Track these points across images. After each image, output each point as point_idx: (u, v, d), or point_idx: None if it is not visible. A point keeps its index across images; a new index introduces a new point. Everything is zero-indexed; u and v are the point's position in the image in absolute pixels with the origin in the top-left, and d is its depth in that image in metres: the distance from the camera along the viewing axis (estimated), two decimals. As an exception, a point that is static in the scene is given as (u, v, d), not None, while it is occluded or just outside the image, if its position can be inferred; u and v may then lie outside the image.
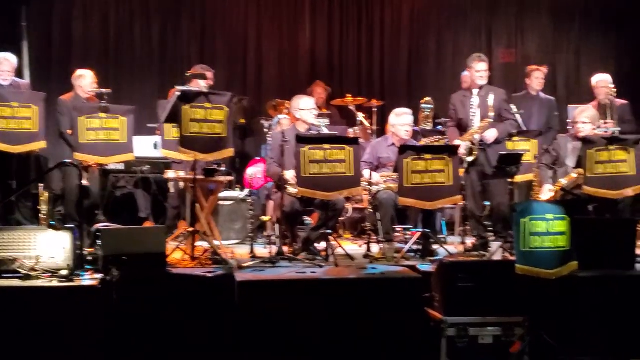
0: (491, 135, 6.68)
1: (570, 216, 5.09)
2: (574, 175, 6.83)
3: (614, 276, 5.65)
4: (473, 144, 6.72)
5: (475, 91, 6.87)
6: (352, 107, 9.05)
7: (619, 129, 7.34)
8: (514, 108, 8.03)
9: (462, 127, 6.89)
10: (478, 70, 6.84)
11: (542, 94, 8.54)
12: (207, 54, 10.05)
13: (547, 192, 6.94)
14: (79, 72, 7.49)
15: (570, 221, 5.08)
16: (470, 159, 6.72)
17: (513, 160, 6.40)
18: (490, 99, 6.67)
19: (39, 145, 6.58)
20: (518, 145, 7.12)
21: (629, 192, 6.52)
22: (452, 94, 7.20)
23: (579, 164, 6.72)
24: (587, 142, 6.49)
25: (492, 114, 6.66)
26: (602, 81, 8.03)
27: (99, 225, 5.79)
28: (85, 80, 7.38)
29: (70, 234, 5.31)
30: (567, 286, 5.30)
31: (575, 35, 10.73)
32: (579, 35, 10.72)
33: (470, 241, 6.94)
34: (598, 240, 5.66)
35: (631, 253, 5.94)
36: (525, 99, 8.45)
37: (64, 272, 5.15)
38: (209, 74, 7.65)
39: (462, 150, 6.62)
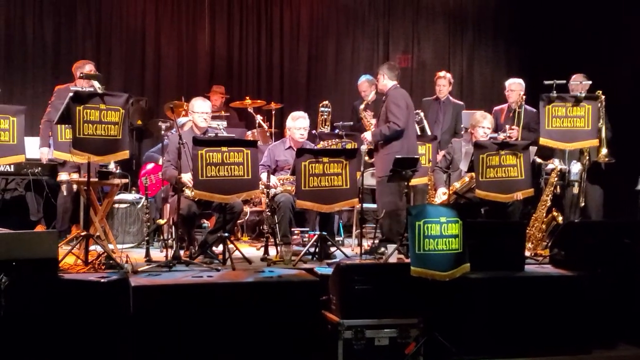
0: (366, 136, 6.99)
1: (462, 219, 5.22)
2: (466, 179, 7.01)
3: (504, 277, 5.83)
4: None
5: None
6: (250, 110, 9.04)
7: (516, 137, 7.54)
8: (420, 113, 8.22)
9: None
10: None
11: (451, 98, 8.70)
12: (104, 54, 9.86)
13: (440, 195, 7.10)
14: None
15: (463, 224, 5.21)
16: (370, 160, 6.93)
17: (409, 164, 6.51)
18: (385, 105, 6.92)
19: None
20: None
21: (519, 195, 6.72)
22: (352, 98, 7.38)
23: (472, 168, 6.88)
24: (478, 146, 6.66)
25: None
26: (515, 84, 8.12)
27: (-14, 230, 5.58)
28: None
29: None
30: (460, 288, 5.43)
31: (468, 42, 11.04)
32: (472, 42, 11.05)
33: (367, 243, 7.03)
34: (489, 242, 5.82)
35: (521, 255, 6.13)
36: (433, 104, 8.62)
37: (-52, 279, 4.93)
38: (90, 66, 7.47)
39: (362, 150, 6.90)
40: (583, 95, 6.81)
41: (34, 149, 7.42)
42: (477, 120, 7.20)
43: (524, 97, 7.87)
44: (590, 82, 7.30)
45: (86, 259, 5.80)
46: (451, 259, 5.17)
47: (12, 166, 7.43)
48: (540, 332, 5.73)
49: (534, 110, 7.79)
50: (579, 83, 7.31)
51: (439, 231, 5.12)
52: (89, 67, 7.37)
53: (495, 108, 8.34)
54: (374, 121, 7.34)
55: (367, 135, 6.97)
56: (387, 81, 6.99)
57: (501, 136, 7.11)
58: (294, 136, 7.19)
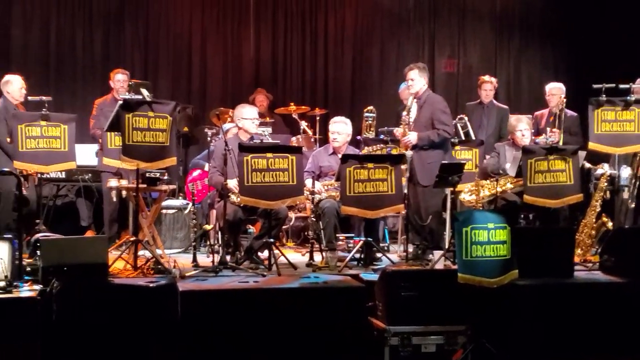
0: (411, 138, 6.69)
1: (510, 225, 5.16)
2: (509, 185, 6.94)
3: (553, 284, 5.76)
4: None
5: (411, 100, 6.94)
6: (295, 116, 9.08)
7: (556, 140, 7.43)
8: (465, 118, 8.14)
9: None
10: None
11: (495, 102, 8.62)
12: (151, 62, 10.03)
13: (465, 193, 6.98)
14: (6, 77, 7.22)
15: (511, 230, 5.15)
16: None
17: (455, 170, 6.46)
18: (426, 109, 6.75)
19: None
20: (460, 154, 7.22)
21: (568, 200, 6.64)
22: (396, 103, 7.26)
23: (520, 173, 6.80)
24: (526, 151, 6.59)
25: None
26: (556, 89, 8.04)
27: (38, 235, 5.69)
28: (12, 86, 7.13)
29: (9, 244, 5.18)
30: (508, 294, 5.37)
31: (515, 46, 10.94)
32: (519, 45, 10.94)
33: (412, 249, 6.99)
34: (538, 248, 5.75)
35: (570, 261, 6.05)
36: (477, 108, 8.54)
37: (2, 284, 5.02)
38: (124, 76, 7.65)
39: (407, 156, 6.71)
40: (632, 99, 6.70)
41: (84, 156, 7.55)
42: (514, 126, 7.24)
43: (564, 100, 7.78)
44: None
45: (135, 264, 5.90)
46: (499, 266, 5.10)
47: (63, 173, 7.57)
48: (590, 340, 5.63)
49: (574, 114, 7.76)
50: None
51: (487, 237, 5.05)
52: (119, 77, 7.52)
53: (536, 113, 8.27)
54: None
55: (412, 138, 6.66)
56: (424, 84, 6.87)
57: (547, 140, 7.04)
58: (330, 141, 7.21)
